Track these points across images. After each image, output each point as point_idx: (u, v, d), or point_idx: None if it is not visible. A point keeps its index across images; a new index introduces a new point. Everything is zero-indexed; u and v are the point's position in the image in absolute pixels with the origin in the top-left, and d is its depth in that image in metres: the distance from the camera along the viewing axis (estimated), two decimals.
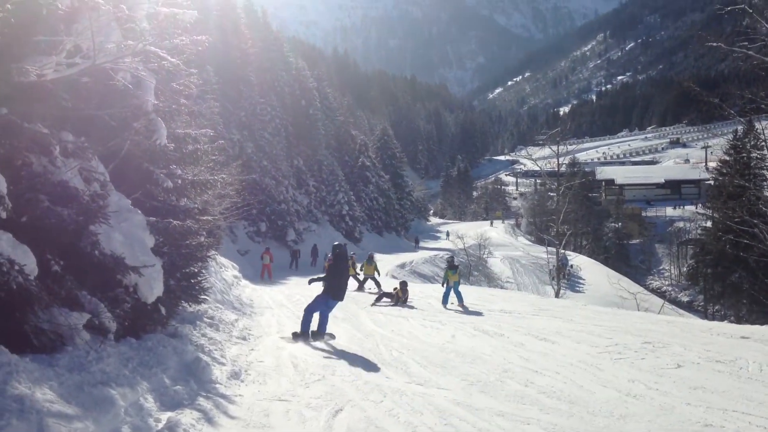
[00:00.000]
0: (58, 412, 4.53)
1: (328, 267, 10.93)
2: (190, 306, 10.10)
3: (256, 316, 14.25)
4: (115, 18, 6.15)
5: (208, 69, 34.80)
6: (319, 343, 10.08)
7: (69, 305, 5.96)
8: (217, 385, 7.21)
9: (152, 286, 6.99)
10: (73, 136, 6.31)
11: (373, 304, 15.96)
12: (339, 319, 13.39)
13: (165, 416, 5.65)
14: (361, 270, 22.24)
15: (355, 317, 13.68)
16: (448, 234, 70.48)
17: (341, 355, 9.29)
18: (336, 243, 11.06)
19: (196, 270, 9.50)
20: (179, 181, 8.40)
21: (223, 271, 17.16)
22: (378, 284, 21.21)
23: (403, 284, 16.58)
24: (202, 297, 10.11)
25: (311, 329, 10.34)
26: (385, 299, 16.22)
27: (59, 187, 5.84)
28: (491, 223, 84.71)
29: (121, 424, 4.99)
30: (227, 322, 11.38)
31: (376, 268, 21.87)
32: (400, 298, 15.99)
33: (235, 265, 20.80)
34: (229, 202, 15.01)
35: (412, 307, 15.25)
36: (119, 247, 6.50)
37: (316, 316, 10.37)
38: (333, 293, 10.39)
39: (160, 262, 7.24)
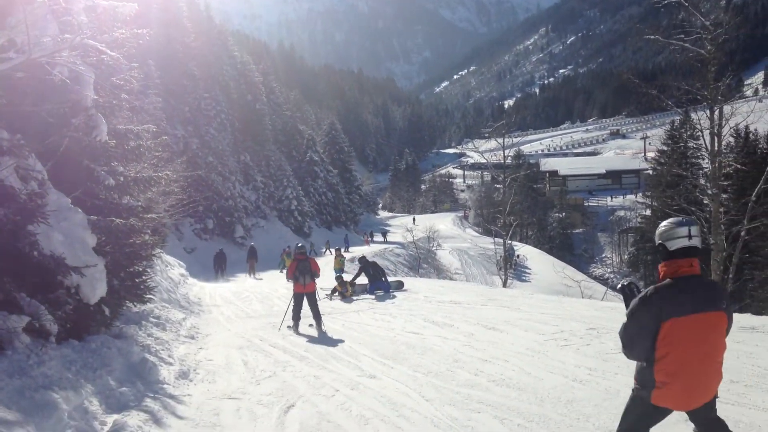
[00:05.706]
0: None
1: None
2: (135, 306, 9.90)
3: (204, 314, 14.06)
4: (51, 11, 5.97)
5: (150, 63, 33.89)
6: (271, 339, 10.05)
7: (7, 308, 5.77)
8: (165, 386, 7.09)
9: (95, 287, 6.81)
10: (8, 133, 6.08)
11: (328, 297, 16.02)
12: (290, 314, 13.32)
13: (111, 419, 5.53)
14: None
15: (305, 312, 13.61)
16: (414, 220, 72.93)
17: (292, 351, 9.25)
18: (361, 257, 18.10)
19: (140, 269, 9.30)
20: (121, 179, 8.19)
21: (170, 269, 16.87)
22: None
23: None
24: (148, 296, 9.91)
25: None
26: (335, 293, 16.29)
27: None
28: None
29: (65, 428, 4.87)
30: (174, 321, 11.19)
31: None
32: (341, 291, 16.16)
33: (181, 263, 20.49)
34: (174, 199, 14.70)
35: (353, 300, 15.36)
36: (59, 247, 6.31)
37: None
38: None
39: (102, 261, 7.06)
